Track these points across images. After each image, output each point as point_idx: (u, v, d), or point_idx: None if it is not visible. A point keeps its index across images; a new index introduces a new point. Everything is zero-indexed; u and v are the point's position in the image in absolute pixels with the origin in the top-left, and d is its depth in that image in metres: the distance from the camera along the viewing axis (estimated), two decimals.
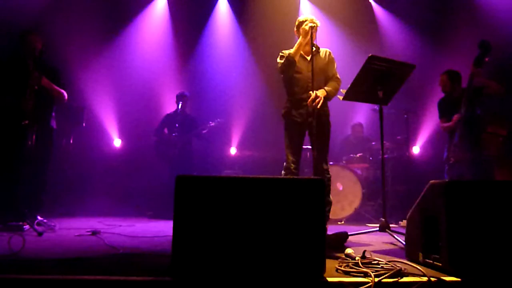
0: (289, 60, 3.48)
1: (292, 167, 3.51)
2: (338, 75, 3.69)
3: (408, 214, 2.53)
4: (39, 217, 3.87)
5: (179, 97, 5.95)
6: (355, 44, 6.91)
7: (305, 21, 3.56)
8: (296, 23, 3.69)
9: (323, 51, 3.67)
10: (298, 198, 1.95)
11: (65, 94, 4.20)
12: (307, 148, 5.69)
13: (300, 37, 3.51)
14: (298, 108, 3.56)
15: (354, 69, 3.43)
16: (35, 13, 5.95)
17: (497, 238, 2.05)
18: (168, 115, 6.09)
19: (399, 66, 3.42)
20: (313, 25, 3.44)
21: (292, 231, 1.92)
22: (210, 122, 6.02)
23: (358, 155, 5.91)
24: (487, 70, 4.12)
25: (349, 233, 3.16)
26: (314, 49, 3.50)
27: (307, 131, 3.61)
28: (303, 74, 3.56)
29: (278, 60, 3.62)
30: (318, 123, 3.50)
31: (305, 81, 3.53)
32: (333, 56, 3.71)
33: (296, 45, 3.52)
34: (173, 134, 5.73)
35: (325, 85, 3.57)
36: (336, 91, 3.60)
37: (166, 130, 5.97)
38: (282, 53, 3.64)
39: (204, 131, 5.99)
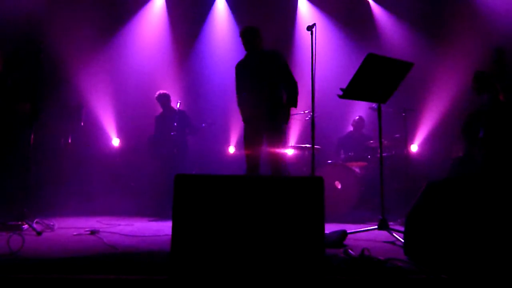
0: None
1: None
2: None
3: (407, 212, 2.53)
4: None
5: (165, 97, 5.96)
6: (354, 42, 6.91)
7: None
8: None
9: None
10: (297, 196, 1.95)
11: None
12: (305, 147, 5.71)
13: None
14: None
15: (353, 67, 3.43)
16: (34, 12, 5.94)
17: (499, 234, 2.05)
18: (157, 117, 6.08)
19: (397, 64, 3.43)
20: None
21: (291, 230, 1.92)
22: (203, 124, 6.04)
23: (356, 153, 5.91)
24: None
25: (348, 232, 3.16)
26: None
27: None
28: None
29: None
30: None
31: None
32: None
33: None
34: (172, 133, 5.72)
35: None
36: None
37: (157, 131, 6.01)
38: None
39: (203, 125, 6.03)
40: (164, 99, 5.97)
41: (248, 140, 4.02)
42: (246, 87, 4.04)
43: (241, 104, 4.07)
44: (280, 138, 3.89)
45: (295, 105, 3.93)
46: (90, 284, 1.88)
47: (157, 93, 6.02)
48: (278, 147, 3.83)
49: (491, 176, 3.40)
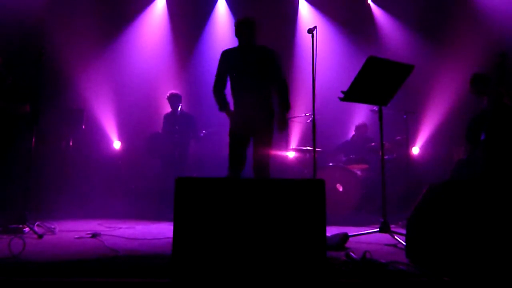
0: None
1: None
2: None
3: (408, 215, 2.53)
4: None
5: (176, 98, 5.95)
6: (355, 45, 6.92)
7: None
8: None
9: None
10: (298, 199, 1.95)
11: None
12: (306, 149, 5.71)
13: None
14: None
15: (354, 70, 3.43)
16: (35, 15, 5.97)
17: (501, 237, 2.05)
18: (166, 115, 6.09)
19: (398, 67, 3.43)
20: None
21: (293, 233, 1.92)
22: (203, 132, 6.05)
23: (357, 156, 5.91)
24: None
25: (349, 234, 3.16)
26: None
27: None
28: None
29: None
30: None
31: None
32: None
33: None
34: (175, 135, 5.72)
35: None
36: None
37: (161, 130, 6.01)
38: None
39: (201, 135, 6.03)
40: (173, 100, 5.96)
41: (235, 143, 3.77)
42: (237, 84, 3.83)
43: (232, 119, 3.82)
44: (270, 142, 3.72)
45: (288, 109, 3.74)
46: (91, 287, 1.88)
47: (169, 93, 6.03)
48: (267, 151, 3.67)
49: (493, 179, 3.40)
